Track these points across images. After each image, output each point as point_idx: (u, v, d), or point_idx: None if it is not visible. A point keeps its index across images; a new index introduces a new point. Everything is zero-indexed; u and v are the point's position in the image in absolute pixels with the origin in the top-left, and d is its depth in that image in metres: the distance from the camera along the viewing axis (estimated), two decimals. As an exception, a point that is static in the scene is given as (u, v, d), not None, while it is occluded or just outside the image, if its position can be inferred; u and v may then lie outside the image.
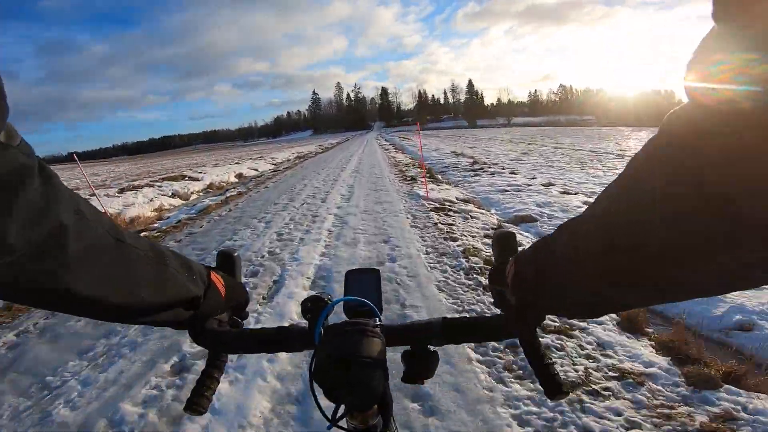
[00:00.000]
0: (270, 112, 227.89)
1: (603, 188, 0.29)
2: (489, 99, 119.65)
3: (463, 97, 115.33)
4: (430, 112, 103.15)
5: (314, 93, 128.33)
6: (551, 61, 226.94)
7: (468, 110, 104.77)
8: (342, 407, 0.40)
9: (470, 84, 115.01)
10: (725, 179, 0.18)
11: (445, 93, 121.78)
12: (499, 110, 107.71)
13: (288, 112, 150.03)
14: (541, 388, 0.47)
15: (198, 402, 0.47)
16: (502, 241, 0.52)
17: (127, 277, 0.35)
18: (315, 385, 0.41)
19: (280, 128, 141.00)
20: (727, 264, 0.21)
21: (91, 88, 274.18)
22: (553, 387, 0.46)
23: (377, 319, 0.50)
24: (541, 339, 0.59)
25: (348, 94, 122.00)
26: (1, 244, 0.23)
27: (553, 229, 0.37)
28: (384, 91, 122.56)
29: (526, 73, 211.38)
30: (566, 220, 0.35)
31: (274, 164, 15.22)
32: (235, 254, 0.55)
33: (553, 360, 0.48)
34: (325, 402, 0.41)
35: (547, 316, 0.46)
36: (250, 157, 20.69)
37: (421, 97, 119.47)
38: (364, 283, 0.55)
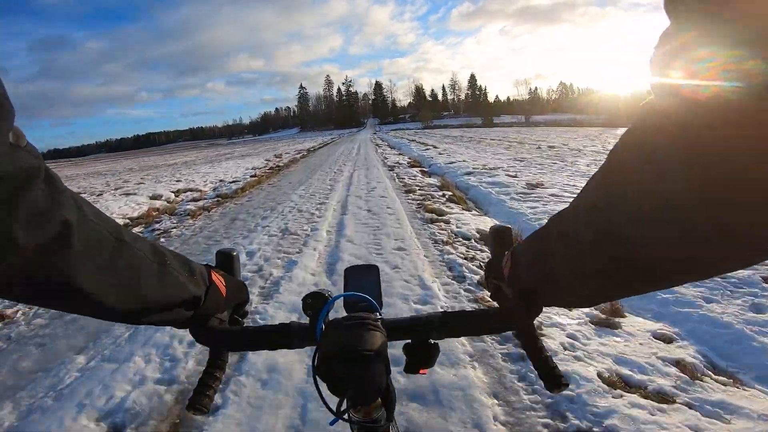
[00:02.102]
0: (263, 108, 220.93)
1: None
2: (490, 95, 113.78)
3: (464, 93, 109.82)
4: (429, 109, 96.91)
5: (301, 87, 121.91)
6: (544, 61, 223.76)
7: (471, 107, 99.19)
8: (346, 401, 0.42)
9: (472, 79, 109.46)
10: (693, 173, 0.19)
11: (443, 89, 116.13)
12: (506, 107, 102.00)
13: (276, 109, 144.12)
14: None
15: (201, 401, 0.46)
16: (499, 235, 0.52)
17: (129, 277, 0.35)
18: (318, 381, 0.41)
19: (267, 125, 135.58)
20: (707, 251, 0.21)
21: (84, 85, 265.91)
22: (553, 380, 0.46)
23: (378, 313, 0.50)
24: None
25: (339, 89, 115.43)
26: (10, 243, 0.24)
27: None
28: (378, 86, 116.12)
29: (520, 71, 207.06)
30: (556, 212, 0.35)
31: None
32: (234, 253, 0.55)
33: (551, 353, 0.49)
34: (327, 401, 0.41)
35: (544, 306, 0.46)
36: (179, 175, 14.29)
37: (420, 92, 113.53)
38: (364, 278, 0.55)
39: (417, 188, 6.50)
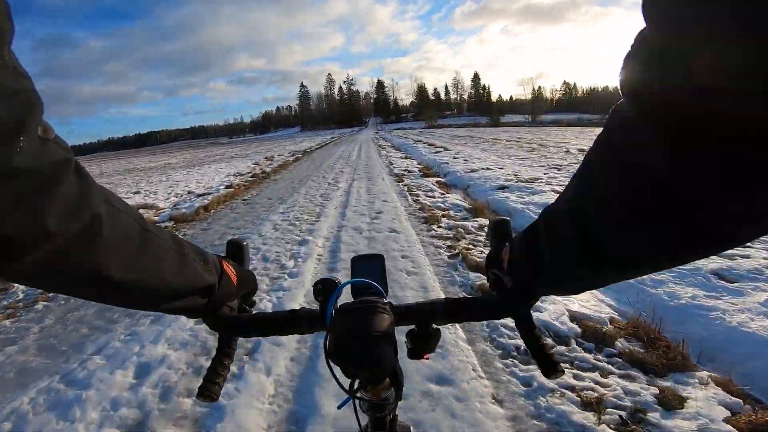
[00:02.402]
0: (264, 107, 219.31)
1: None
2: (493, 95, 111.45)
3: (467, 92, 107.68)
4: (431, 109, 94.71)
5: (302, 86, 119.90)
6: (546, 60, 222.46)
7: (475, 106, 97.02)
8: (357, 382, 0.45)
9: (476, 78, 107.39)
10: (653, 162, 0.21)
11: (446, 88, 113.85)
12: (509, 106, 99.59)
13: (278, 107, 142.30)
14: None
15: (210, 389, 0.47)
16: (498, 227, 0.55)
17: (154, 266, 0.36)
18: (332, 364, 0.43)
19: (269, 124, 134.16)
20: (673, 235, 0.23)
21: (87, 84, 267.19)
22: (549, 366, 0.48)
23: (384, 299, 0.51)
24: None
25: (340, 87, 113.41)
26: (44, 232, 0.25)
27: None
28: (380, 84, 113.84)
29: (521, 71, 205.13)
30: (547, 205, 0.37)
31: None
32: (244, 243, 0.57)
33: (548, 341, 0.51)
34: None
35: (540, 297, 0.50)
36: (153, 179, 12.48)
37: (422, 91, 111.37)
38: (370, 267, 0.56)
39: (439, 213, 4.61)
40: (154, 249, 0.36)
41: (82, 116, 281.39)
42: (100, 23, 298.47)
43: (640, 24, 0.20)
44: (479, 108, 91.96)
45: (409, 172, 8.49)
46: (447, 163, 9.52)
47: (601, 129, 0.26)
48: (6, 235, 0.23)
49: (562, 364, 0.48)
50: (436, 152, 12.65)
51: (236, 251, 0.56)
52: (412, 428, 0.65)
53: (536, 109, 70.05)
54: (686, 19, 0.17)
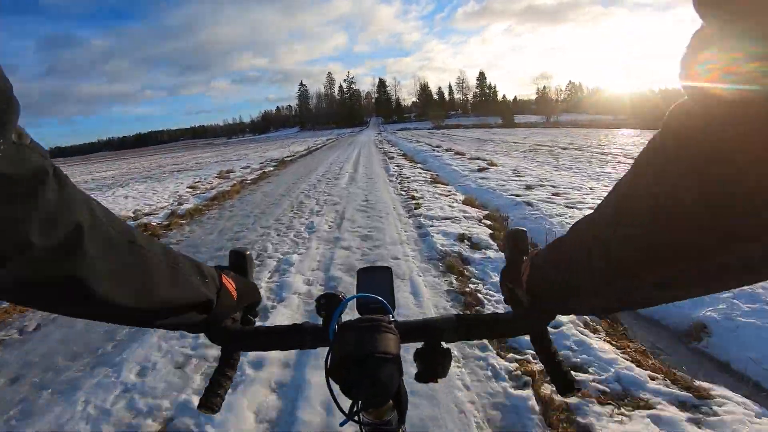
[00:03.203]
0: (267, 107, 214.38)
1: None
2: (497, 95, 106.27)
3: (472, 92, 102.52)
4: (435, 108, 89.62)
5: (301, 84, 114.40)
6: (548, 60, 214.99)
7: (482, 105, 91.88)
8: (358, 403, 0.41)
9: (481, 77, 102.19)
10: (721, 175, 0.19)
11: (450, 87, 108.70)
12: (514, 106, 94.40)
13: (278, 107, 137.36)
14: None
15: (212, 401, 0.46)
16: (514, 239, 0.52)
17: (142, 279, 0.34)
18: (331, 382, 0.42)
19: (268, 124, 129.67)
20: (727, 261, 0.21)
21: (90, 83, 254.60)
22: (565, 384, 0.46)
23: (390, 315, 0.49)
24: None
25: (340, 86, 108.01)
26: (23, 243, 0.23)
27: None
28: (381, 83, 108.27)
29: (524, 71, 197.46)
30: (578, 219, 0.34)
31: None
32: (247, 253, 0.54)
33: (563, 359, 0.48)
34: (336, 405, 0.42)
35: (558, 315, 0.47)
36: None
37: (425, 90, 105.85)
38: (376, 280, 0.54)
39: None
40: (143, 262, 0.34)
41: (86, 115, 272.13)
42: (104, 22, 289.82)
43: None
44: (487, 108, 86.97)
45: (474, 245, 3.57)
46: (530, 204, 4.68)
47: (658, 131, 0.23)
48: None
49: (576, 382, 0.46)
50: (480, 171, 7.80)
51: (239, 262, 0.53)
52: None
53: (544, 110, 64.97)
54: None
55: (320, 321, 0.48)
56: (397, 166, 9.91)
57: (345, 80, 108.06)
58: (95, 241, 0.28)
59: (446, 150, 12.97)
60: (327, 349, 0.44)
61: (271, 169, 11.42)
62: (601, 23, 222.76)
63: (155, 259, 0.35)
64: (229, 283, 0.47)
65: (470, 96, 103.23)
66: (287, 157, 15.43)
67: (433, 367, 0.47)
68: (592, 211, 0.32)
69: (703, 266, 0.22)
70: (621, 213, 0.27)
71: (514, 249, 0.51)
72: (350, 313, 0.47)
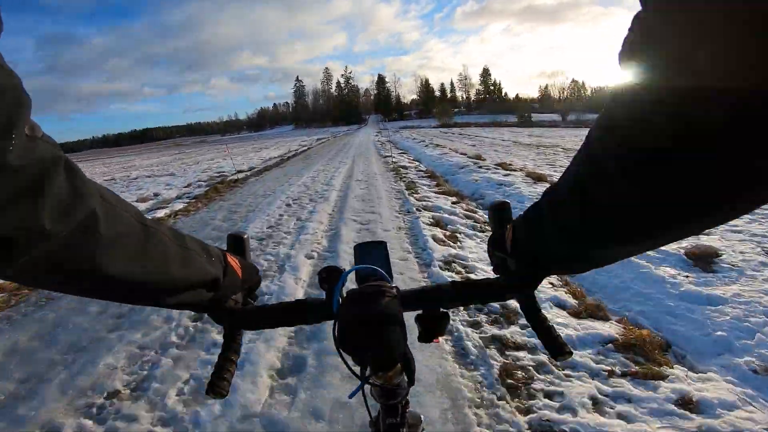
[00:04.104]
0: (265, 105, 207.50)
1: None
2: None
3: (474, 89, 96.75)
4: (436, 106, 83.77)
5: (297, 80, 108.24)
6: (547, 59, 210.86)
7: (487, 103, 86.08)
8: (368, 368, 0.43)
9: (485, 73, 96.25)
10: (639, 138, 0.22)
11: (452, 84, 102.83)
12: (515, 105, 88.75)
13: (275, 104, 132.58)
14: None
15: (220, 385, 0.47)
16: (499, 210, 0.53)
17: (157, 261, 0.35)
18: (342, 352, 0.42)
19: (264, 122, 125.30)
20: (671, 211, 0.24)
21: (89, 81, 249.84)
22: (556, 348, 0.47)
23: (390, 283, 0.50)
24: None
25: (338, 82, 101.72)
26: (39, 231, 0.24)
27: None
28: (381, 80, 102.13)
29: (522, 70, 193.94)
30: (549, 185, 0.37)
31: None
32: (245, 236, 0.55)
33: (553, 324, 0.50)
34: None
35: (545, 277, 0.48)
36: None
37: (427, 87, 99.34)
38: (373, 254, 0.55)
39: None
40: (156, 244, 0.35)
41: (84, 113, 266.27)
42: (104, 20, 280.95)
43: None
44: (494, 105, 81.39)
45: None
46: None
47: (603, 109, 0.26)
48: (4, 235, 0.23)
49: (567, 346, 0.47)
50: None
51: (237, 244, 0.54)
52: (422, 417, 0.66)
53: (544, 109, 59.29)
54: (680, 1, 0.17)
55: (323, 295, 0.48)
56: (422, 195, 4.69)
57: (343, 75, 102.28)
58: (110, 226, 0.30)
59: (490, 166, 7.60)
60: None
61: (184, 205, 6.00)
62: (601, 23, 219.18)
63: (166, 239, 0.37)
64: (235, 263, 0.48)
65: (472, 93, 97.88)
66: (242, 172, 9.98)
67: (432, 328, 0.48)
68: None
69: (653, 217, 0.25)
70: (577, 176, 0.30)
71: (498, 219, 0.52)
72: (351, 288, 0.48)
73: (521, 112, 46.85)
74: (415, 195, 5.55)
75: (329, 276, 0.48)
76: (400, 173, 7.86)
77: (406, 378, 0.47)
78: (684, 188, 0.22)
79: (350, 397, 0.43)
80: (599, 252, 0.33)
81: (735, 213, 0.23)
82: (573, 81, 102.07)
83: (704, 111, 0.18)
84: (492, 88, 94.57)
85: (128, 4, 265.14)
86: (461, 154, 10.27)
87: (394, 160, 9.97)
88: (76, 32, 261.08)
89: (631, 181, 0.24)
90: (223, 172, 9.54)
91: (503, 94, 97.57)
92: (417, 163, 9.60)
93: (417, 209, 4.68)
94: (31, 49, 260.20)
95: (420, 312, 0.49)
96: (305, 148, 19.35)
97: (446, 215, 4.32)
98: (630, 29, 0.21)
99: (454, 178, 6.88)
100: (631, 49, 0.21)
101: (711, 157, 0.19)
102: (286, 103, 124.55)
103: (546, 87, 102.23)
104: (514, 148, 12.21)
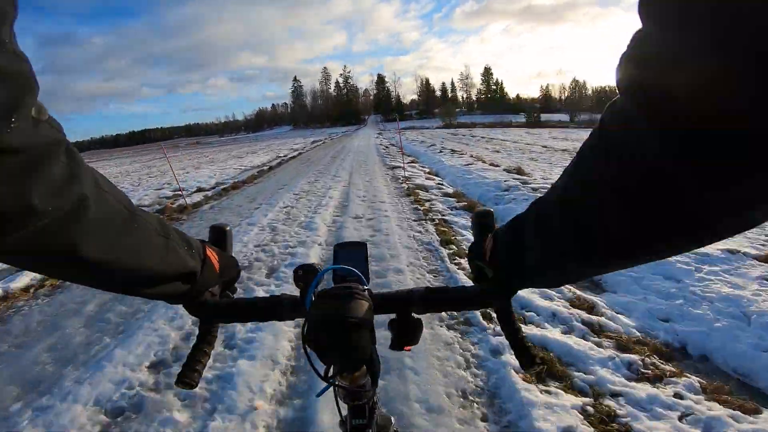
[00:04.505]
0: (264, 105, 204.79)
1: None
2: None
3: (476, 88, 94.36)
4: (437, 106, 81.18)
5: (295, 80, 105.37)
6: (547, 59, 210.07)
7: (489, 103, 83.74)
8: (333, 368, 0.43)
9: (487, 72, 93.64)
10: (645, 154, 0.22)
11: (452, 84, 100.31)
12: (518, 105, 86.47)
13: (273, 105, 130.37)
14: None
15: (190, 376, 0.46)
16: (481, 219, 0.52)
17: (137, 249, 0.35)
18: (309, 350, 0.42)
19: (262, 122, 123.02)
20: (654, 236, 0.24)
21: (88, 80, 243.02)
22: (528, 359, 0.47)
23: (364, 286, 0.50)
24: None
25: (337, 82, 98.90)
26: (31, 211, 0.25)
27: None
28: (380, 79, 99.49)
29: (522, 70, 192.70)
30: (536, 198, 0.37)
31: None
32: (227, 228, 0.55)
33: (526, 334, 0.49)
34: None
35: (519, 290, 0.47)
36: None
37: (428, 87, 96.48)
38: (353, 255, 0.55)
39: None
40: (139, 232, 0.35)
41: (82, 113, 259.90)
42: (103, 20, 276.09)
43: (637, 24, 0.21)
44: (496, 105, 79.08)
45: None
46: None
47: (597, 122, 0.26)
48: None
49: (539, 357, 0.47)
50: None
51: (219, 237, 0.54)
52: (392, 419, 0.66)
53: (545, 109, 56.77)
54: (683, 19, 0.17)
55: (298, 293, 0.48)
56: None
57: (341, 74, 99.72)
58: (98, 211, 0.30)
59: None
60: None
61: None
62: (600, 23, 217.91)
63: (150, 228, 0.37)
64: (213, 256, 0.48)
65: (474, 93, 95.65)
66: (199, 191, 7.63)
67: (404, 335, 0.48)
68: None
69: (636, 235, 0.25)
70: (566, 193, 0.31)
71: (480, 228, 0.51)
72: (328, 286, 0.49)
73: (529, 112, 44.38)
74: (458, 258, 3.23)
75: (305, 274, 0.47)
76: (420, 200, 5.48)
77: (370, 379, 0.48)
78: (673, 210, 0.22)
79: (318, 396, 0.45)
80: (578, 267, 0.33)
81: (716, 237, 0.23)
82: (574, 80, 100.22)
83: (702, 134, 0.18)
84: (495, 87, 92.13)
85: (128, 3, 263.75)
86: (493, 165, 7.95)
87: (405, 175, 7.60)
88: (75, 32, 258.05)
89: (622, 201, 0.24)
90: (178, 191, 7.21)
91: (506, 94, 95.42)
92: (437, 178, 7.28)
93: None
94: (31, 49, 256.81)
95: (393, 317, 0.49)
96: (296, 153, 16.97)
97: (534, 314, 2.00)
98: (629, 46, 0.21)
99: (502, 209, 4.58)
100: (627, 66, 0.21)
101: (703, 181, 0.20)
102: (285, 103, 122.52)
103: (547, 87, 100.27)
104: (550, 155, 9.91)
